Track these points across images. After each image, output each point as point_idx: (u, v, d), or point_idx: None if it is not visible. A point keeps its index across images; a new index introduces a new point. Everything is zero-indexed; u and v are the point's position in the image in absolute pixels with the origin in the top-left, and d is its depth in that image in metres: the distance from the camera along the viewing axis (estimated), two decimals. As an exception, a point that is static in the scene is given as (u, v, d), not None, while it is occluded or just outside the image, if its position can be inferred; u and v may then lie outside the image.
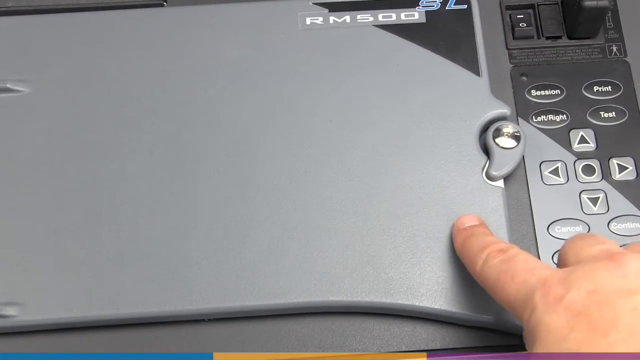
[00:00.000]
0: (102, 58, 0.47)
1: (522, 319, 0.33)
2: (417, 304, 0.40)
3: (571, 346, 0.30)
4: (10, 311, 0.41)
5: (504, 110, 0.44)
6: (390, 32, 0.47)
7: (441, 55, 0.46)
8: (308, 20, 0.48)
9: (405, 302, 0.40)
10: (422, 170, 0.43)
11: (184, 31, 0.48)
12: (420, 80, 0.46)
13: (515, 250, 0.36)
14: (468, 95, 0.45)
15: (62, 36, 0.48)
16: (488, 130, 0.44)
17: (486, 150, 0.44)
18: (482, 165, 0.43)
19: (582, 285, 0.31)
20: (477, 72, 0.46)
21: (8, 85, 0.46)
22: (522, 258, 0.35)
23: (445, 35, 0.47)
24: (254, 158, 0.44)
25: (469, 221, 0.41)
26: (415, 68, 0.46)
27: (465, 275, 0.40)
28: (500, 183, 0.43)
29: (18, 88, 0.46)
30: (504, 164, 0.43)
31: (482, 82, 0.45)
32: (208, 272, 0.41)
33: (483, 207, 0.42)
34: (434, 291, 0.41)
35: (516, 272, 0.34)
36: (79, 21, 0.48)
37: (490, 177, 0.43)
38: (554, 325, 0.31)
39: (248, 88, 0.46)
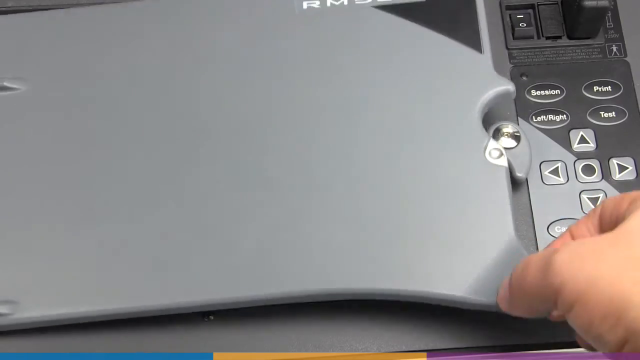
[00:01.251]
0: (98, 53, 0.47)
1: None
2: (418, 289, 0.39)
3: None
4: (3, 309, 0.40)
5: (508, 86, 0.43)
6: (390, 12, 0.46)
7: (442, 34, 0.45)
8: (305, 4, 0.47)
9: (407, 288, 0.39)
10: (424, 149, 0.42)
11: (181, 19, 0.47)
12: (422, 59, 0.45)
13: None
14: (471, 72, 0.44)
15: (58, 32, 0.48)
16: (488, 130, 0.44)
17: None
18: (485, 144, 0.42)
19: None
20: (479, 50, 0.45)
21: (5, 83, 0.46)
22: None
23: (447, 14, 0.46)
24: (253, 146, 0.43)
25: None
26: (416, 47, 0.45)
27: (468, 258, 0.39)
28: (504, 161, 0.42)
29: (15, 86, 0.46)
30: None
31: (484, 59, 0.44)
32: (209, 264, 0.41)
33: (486, 186, 0.41)
34: (436, 276, 0.39)
35: None
36: (74, 16, 0.48)
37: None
38: None
39: (244, 74, 0.45)
